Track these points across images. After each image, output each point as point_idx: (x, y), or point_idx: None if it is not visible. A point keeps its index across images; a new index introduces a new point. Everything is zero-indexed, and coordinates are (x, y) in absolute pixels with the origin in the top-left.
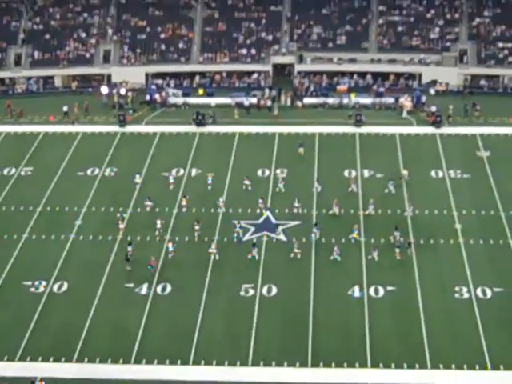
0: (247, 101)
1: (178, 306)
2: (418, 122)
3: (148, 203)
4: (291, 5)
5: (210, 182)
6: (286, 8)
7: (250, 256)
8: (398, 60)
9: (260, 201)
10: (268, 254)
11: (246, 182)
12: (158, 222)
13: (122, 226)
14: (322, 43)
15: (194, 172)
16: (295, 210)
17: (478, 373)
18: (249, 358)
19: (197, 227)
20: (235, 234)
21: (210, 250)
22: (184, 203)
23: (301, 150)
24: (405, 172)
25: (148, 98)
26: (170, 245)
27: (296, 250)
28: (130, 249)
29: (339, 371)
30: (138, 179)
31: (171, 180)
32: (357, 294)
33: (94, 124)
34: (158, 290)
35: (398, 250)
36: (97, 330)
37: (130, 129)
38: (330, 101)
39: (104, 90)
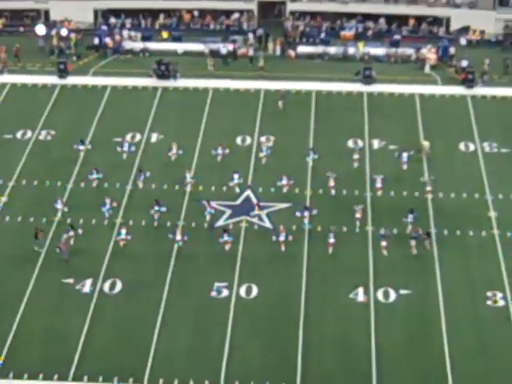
0: (225, 48)
1: (130, 308)
2: (443, 80)
3: (94, 176)
4: None
5: (174, 151)
6: None
7: (226, 247)
8: None
9: (235, 176)
10: (247, 245)
11: (221, 151)
12: (107, 200)
13: (59, 205)
14: None
15: (154, 138)
16: (284, 189)
17: None
18: (220, 378)
19: (156, 208)
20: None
21: (176, 238)
22: (142, 178)
23: (280, 103)
24: (426, 143)
25: (97, 41)
26: (124, 231)
27: (282, 239)
28: (71, 234)
29: None
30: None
31: (125, 148)
32: (361, 298)
33: (26, 73)
34: (106, 287)
35: (413, 243)
36: (25, 339)
37: (73, 80)
38: (332, 50)
39: (40, 30)
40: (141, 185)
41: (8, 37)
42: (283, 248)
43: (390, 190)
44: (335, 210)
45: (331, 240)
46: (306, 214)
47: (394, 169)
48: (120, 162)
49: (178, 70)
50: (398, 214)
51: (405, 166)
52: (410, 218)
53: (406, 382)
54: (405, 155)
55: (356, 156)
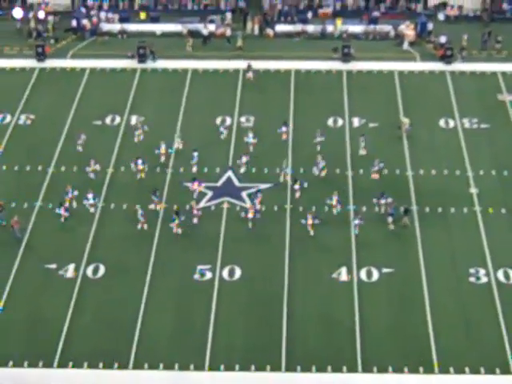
0: (206, 29)
1: (114, 292)
2: (422, 56)
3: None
4: None
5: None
6: None
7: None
8: None
9: (195, 154)
10: (229, 226)
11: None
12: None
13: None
14: None
15: (133, 120)
16: (265, 170)
17: (498, 378)
18: (205, 360)
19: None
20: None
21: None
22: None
23: (249, 74)
24: (405, 120)
25: (74, 23)
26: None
27: (250, 216)
28: (63, 212)
29: (321, 377)
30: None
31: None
32: (344, 277)
33: (4, 57)
34: (89, 272)
35: (390, 219)
36: (9, 325)
37: (51, 63)
38: (310, 28)
39: (17, 12)
40: (123, 167)
41: None
42: (250, 225)
43: (370, 168)
44: (317, 189)
45: (310, 222)
46: (297, 187)
47: (374, 147)
48: (100, 143)
49: (154, 52)
50: (378, 193)
51: (363, 152)
52: (383, 199)
53: (390, 360)
54: (361, 138)
55: (336, 134)
